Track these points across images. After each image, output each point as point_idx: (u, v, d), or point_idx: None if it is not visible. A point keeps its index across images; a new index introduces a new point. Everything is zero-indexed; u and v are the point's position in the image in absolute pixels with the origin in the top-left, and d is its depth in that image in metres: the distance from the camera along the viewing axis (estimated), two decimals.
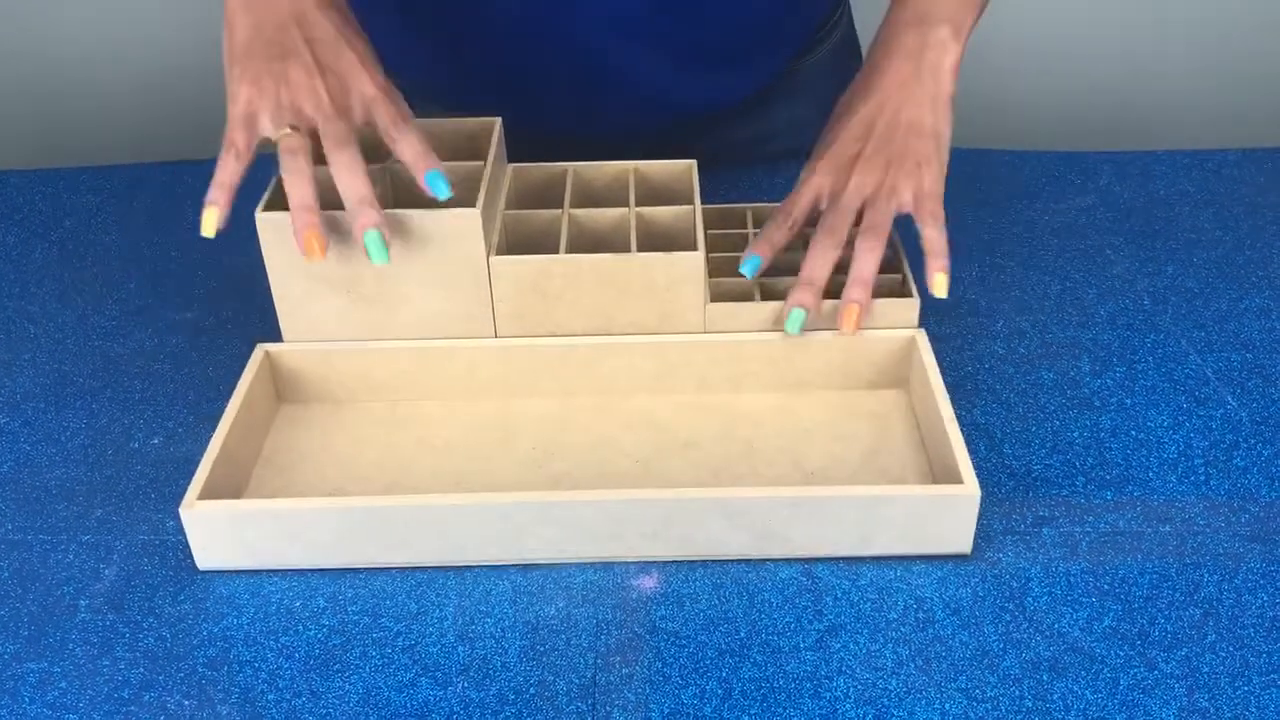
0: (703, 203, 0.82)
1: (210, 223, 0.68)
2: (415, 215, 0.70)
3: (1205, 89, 1.63)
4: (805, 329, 0.74)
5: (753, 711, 0.58)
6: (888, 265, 0.76)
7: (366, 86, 0.70)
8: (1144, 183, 1.00)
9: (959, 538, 0.65)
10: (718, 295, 0.77)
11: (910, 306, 0.75)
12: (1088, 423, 0.75)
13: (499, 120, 0.81)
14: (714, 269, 0.80)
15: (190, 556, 0.66)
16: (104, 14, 1.51)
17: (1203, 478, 0.71)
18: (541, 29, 0.87)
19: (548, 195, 0.83)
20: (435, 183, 0.69)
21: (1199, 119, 1.63)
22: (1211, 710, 0.57)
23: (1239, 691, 0.58)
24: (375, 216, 0.68)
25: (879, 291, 0.75)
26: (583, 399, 0.76)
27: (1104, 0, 1.54)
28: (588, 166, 0.83)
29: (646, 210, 0.79)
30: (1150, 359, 0.80)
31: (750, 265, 0.75)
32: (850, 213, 0.74)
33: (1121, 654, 0.60)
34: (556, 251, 0.75)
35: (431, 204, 0.71)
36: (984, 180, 1.01)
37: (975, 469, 0.65)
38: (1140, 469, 0.71)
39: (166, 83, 1.54)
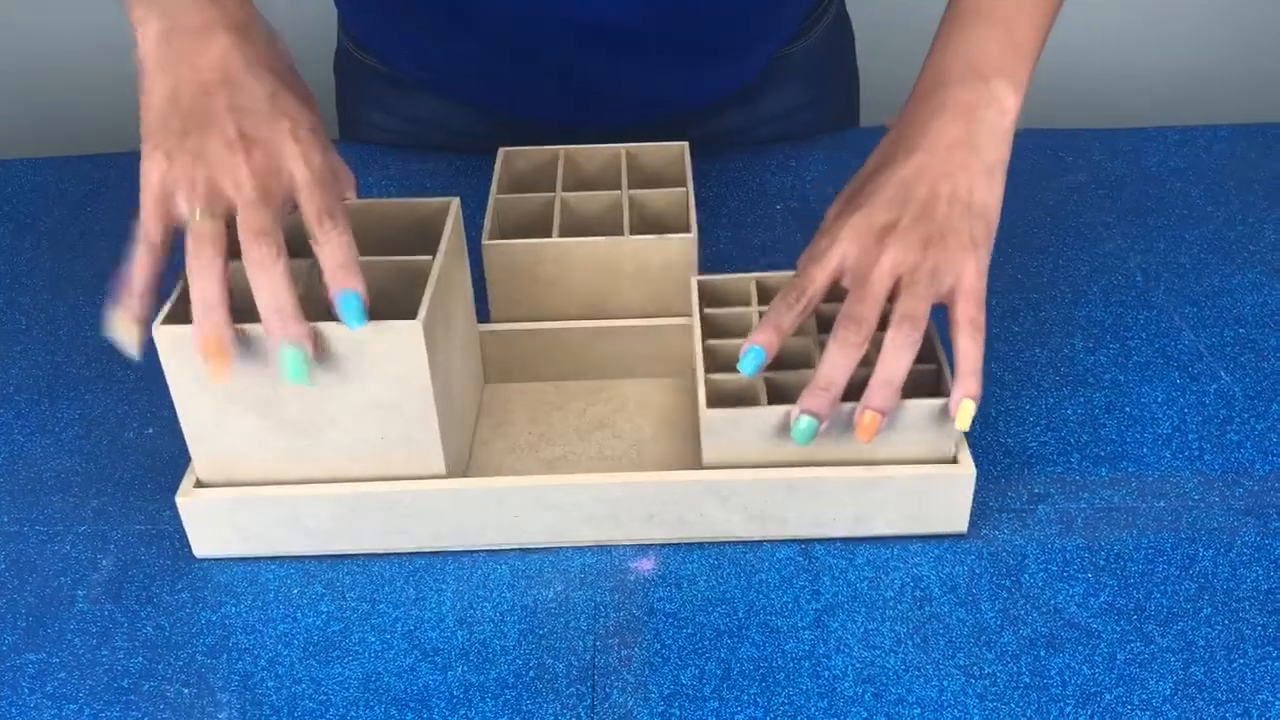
0: (694, 189, 0.82)
1: (132, 341, 0.60)
2: (344, 327, 0.59)
3: (1196, 65, 1.63)
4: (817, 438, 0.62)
5: (751, 691, 0.58)
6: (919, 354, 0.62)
7: (297, 166, 0.59)
8: (1135, 159, 1.00)
9: (955, 516, 0.65)
10: (715, 397, 0.65)
11: (946, 412, 0.62)
12: (1082, 400, 0.75)
13: (456, 201, 0.68)
14: (710, 359, 0.68)
15: (187, 545, 0.66)
16: (93, 1, 1.50)
17: (1197, 453, 0.71)
18: (534, 27, 0.86)
19: (539, 179, 0.83)
20: (348, 307, 0.58)
21: (1190, 95, 1.64)
22: (1207, 683, 0.58)
23: (1234, 664, 0.59)
24: (295, 329, 0.57)
25: (907, 389, 0.62)
26: (577, 383, 0.76)
27: None
28: (579, 150, 0.83)
29: (639, 193, 0.79)
30: (1143, 335, 0.81)
31: (751, 360, 0.62)
32: (880, 299, 0.61)
33: (1118, 629, 0.61)
34: (549, 235, 0.75)
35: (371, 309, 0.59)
36: None
37: (970, 448, 0.66)
38: (1134, 445, 0.72)
39: None
